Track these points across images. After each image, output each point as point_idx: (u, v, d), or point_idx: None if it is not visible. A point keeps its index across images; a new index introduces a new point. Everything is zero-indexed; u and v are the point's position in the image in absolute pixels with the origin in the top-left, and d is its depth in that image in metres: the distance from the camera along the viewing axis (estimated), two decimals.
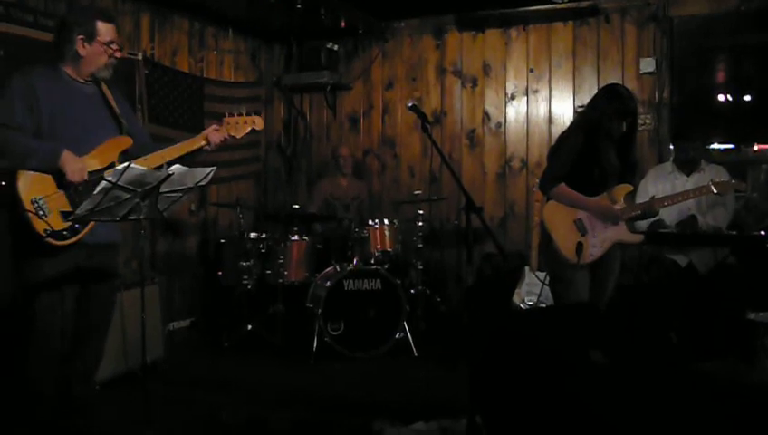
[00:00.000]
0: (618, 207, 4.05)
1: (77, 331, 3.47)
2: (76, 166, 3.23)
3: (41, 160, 3.20)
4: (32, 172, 3.19)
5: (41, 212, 3.16)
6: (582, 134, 4.03)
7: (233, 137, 3.66)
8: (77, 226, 3.25)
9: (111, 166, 3.34)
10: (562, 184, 4.04)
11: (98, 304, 3.55)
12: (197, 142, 3.57)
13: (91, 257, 3.41)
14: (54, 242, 3.19)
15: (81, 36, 3.37)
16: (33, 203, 3.15)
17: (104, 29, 3.40)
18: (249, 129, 3.71)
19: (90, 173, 3.28)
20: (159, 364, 5.04)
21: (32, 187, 3.17)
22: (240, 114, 3.67)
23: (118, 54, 3.46)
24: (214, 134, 3.59)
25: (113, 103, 3.54)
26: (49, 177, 3.22)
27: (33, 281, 3.28)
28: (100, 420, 3.67)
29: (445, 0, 6.44)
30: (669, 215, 5.10)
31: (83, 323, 3.49)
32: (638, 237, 4.18)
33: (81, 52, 3.38)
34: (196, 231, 6.59)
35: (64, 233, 3.22)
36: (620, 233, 4.07)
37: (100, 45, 3.39)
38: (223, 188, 6.82)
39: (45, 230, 3.16)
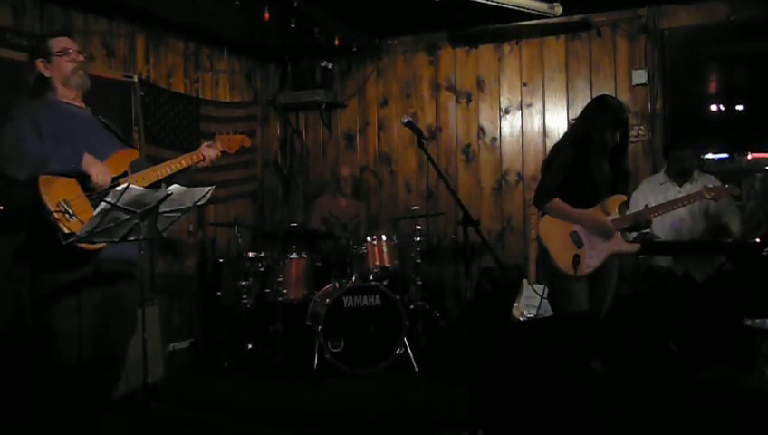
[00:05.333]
0: (611, 218, 4.07)
1: (98, 348, 3.41)
2: (101, 168, 3.25)
3: (63, 162, 3.19)
4: (56, 177, 3.17)
5: (67, 215, 3.13)
6: (572, 148, 4.06)
7: (225, 153, 3.75)
8: None
9: (125, 174, 3.37)
10: (556, 199, 4.07)
11: (120, 317, 3.50)
12: (196, 157, 3.62)
13: (113, 277, 3.38)
14: (85, 246, 3.14)
15: (40, 60, 3.45)
16: (59, 206, 3.13)
17: (55, 43, 3.47)
18: (240, 144, 3.84)
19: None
20: (160, 385, 5.04)
21: (58, 190, 3.16)
22: (230, 133, 3.83)
23: (79, 58, 3.49)
24: (208, 149, 3.68)
25: (108, 123, 3.61)
26: (73, 180, 3.21)
27: (53, 288, 3.24)
28: None
29: (437, 16, 6.48)
30: (662, 227, 5.12)
31: (105, 339, 3.44)
32: (635, 247, 4.20)
33: (46, 73, 3.44)
34: (195, 251, 6.60)
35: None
36: (617, 244, 4.09)
37: (56, 57, 3.45)
38: (220, 208, 6.84)
39: (74, 233, 3.13)
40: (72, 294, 3.26)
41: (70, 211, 3.15)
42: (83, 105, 3.56)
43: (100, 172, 3.24)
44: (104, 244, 3.21)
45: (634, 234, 4.59)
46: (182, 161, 3.58)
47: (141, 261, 3.42)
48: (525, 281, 5.76)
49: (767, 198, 6.33)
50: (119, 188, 2.93)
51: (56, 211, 3.11)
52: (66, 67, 3.45)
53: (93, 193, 3.24)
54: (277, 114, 7.72)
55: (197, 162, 3.64)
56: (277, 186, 7.74)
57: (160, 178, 3.48)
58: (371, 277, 5.80)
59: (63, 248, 3.09)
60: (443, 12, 5.99)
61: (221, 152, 3.73)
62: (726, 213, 5.14)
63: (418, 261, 6.19)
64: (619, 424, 3.20)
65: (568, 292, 4.03)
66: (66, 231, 3.11)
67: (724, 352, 4.38)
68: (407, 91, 7.24)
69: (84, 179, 3.23)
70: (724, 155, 6.46)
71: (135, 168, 3.47)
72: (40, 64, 3.45)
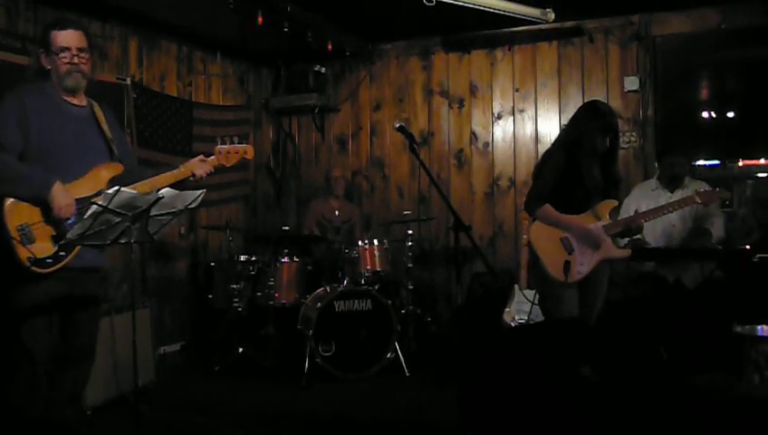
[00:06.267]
0: (602, 223, 4.08)
1: (61, 356, 3.40)
2: (63, 202, 3.17)
3: (31, 189, 3.14)
4: (22, 202, 3.13)
5: (25, 239, 3.10)
6: (564, 154, 4.06)
7: (223, 166, 3.67)
8: (61, 253, 3.20)
9: (100, 193, 3.31)
10: (546, 205, 4.07)
11: (82, 330, 3.46)
12: (183, 174, 3.55)
13: (75, 283, 3.34)
14: (38, 270, 3.14)
15: (42, 50, 3.37)
16: (18, 230, 3.10)
17: (58, 37, 3.34)
18: (240, 158, 3.71)
19: (78, 200, 3.22)
20: (150, 388, 5.02)
21: (19, 213, 3.12)
22: (232, 142, 3.66)
23: (76, 60, 3.34)
24: (199, 167, 3.58)
25: (105, 127, 3.50)
26: (38, 208, 3.17)
27: (17, 308, 3.22)
28: None
29: (431, 22, 6.49)
30: (653, 233, 5.13)
31: (68, 350, 3.42)
32: (626, 253, 4.20)
33: (47, 65, 3.36)
34: (187, 254, 6.59)
35: (48, 261, 3.16)
36: (607, 249, 4.09)
37: (56, 54, 3.34)
38: (212, 211, 6.83)
39: (29, 258, 3.10)
40: (37, 311, 3.24)
41: (30, 236, 3.13)
42: (83, 103, 3.46)
43: (62, 206, 3.17)
44: (59, 265, 3.20)
45: (626, 239, 4.60)
46: (169, 178, 3.49)
47: (133, 264, 3.38)
48: (516, 286, 5.75)
49: (758, 205, 6.37)
50: (110, 191, 2.91)
51: (14, 237, 3.09)
52: (61, 67, 3.33)
53: (57, 222, 3.19)
54: (270, 118, 7.72)
55: (187, 177, 3.56)
56: (269, 189, 7.74)
57: (150, 190, 3.42)
58: (363, 281, 5.79)
59: (22, 269, 3.10)
60: (436, 17, 6.00)
61: (218, 165, 3.63)
62: (709, 216, 5.14)
63: (410, 265, 6.19)
64: (609, 430, 3.21)
65: (558, 298, 4.03)
66: (21, 257, 3.10)
67: (714, 358, 4.39)
68: (399, 96, 7.25)
69: (47, 207, 3.18)
70: (716, 162, 6.50)
71: (117, 184, 3.40)
72: (42, 56, 3.37)
